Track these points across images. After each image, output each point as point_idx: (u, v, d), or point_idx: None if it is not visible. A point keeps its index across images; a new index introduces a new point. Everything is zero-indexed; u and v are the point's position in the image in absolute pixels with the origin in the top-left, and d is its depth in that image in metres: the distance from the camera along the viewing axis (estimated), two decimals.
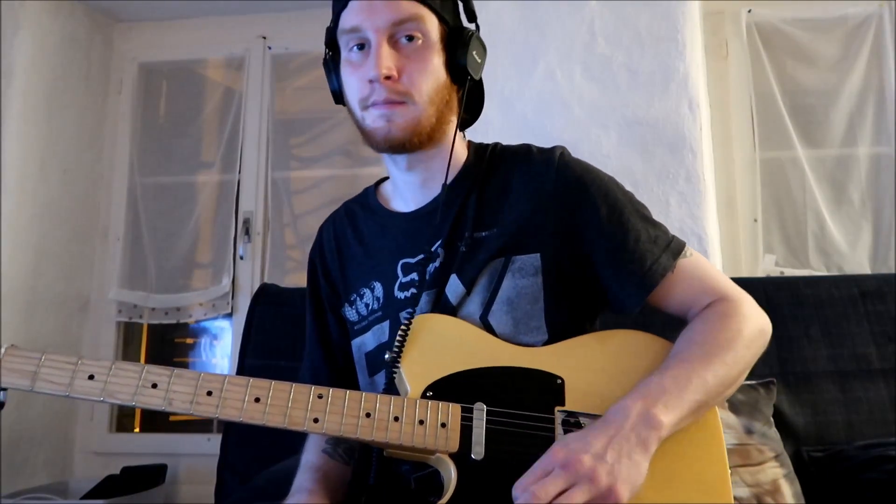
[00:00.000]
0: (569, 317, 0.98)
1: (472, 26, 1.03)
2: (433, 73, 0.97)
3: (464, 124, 1.13)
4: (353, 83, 0.98)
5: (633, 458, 0.78)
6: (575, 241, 0.98)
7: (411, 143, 0.97)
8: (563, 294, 0.97)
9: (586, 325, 1.02)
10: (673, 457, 0.85)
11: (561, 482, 0.75)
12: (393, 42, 0.95)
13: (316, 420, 0.83)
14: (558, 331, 0.96)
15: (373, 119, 0.96)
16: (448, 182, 1.01)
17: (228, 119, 2.81)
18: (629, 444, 0.79)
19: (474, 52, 1.00)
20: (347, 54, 0.99)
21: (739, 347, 0.90)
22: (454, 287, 0.97)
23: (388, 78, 0.93)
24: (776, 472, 1.46)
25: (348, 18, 0.97)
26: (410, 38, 0.96)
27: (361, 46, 0.97)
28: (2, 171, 2.38)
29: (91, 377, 0.82)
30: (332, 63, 1.03)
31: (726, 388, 0.90)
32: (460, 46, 0.99)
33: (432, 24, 0.98)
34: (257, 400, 0.83)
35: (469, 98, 1.05)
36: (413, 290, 0.98)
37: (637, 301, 0.96)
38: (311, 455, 1.05)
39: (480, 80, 1.07)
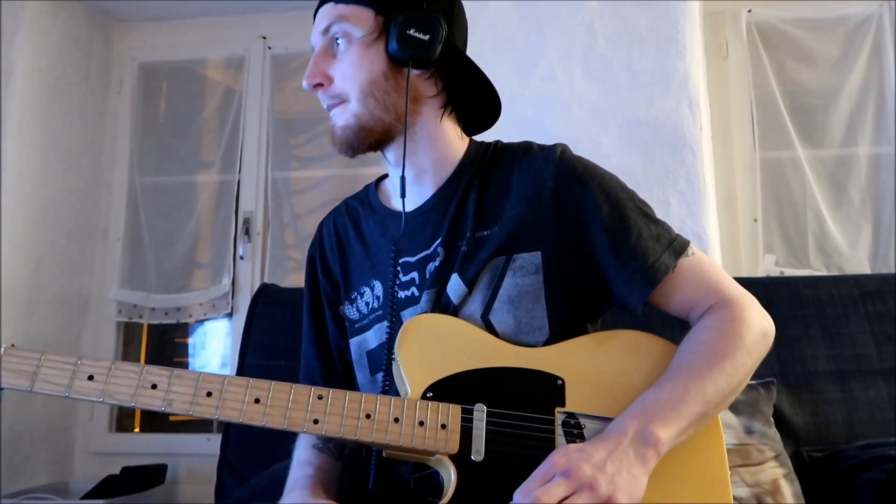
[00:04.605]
0: (571, 316, 0.97)
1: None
2: (364, 66, 0.96)
3: (477, 123, 1.10)
4: None
5: (633, 472, 0.79)
6: (576, 239, 0.97)
7: (360, 141, 0.98)
8: (565, 293, 0.96)
9: (588, 325, 1.02)
10: (672, 456, 0.85)
11: (563, 489, 0.75)
12: (332, 49, 0.99)
13: (316, 421, 0.83)
14: (560, 330, 0.95)
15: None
16: (443, 179, 1.01)
17: (228, 119, 2.80)
18: (628, 458, 0.79)
19: (410, 31, 0.94)
20: None
21: (740, 354, 0.89)
22: (456, 286, 0.97)
23: (317, 86, 0.98)
24: (776, 472, 1.46)
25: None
26: (338, 41, 0.99)
27: None
28: (2, 171, 2.37)
29: (91, 378, 0.81)
30: None
31: (727, 396, 0.88)
32: (392, 31, 0.95)
33: (361, 20, 0.97)
34: (257, 401, 0.82)
35: (465, 85, 1.02)
36: (414, 290, 0.98)
37: (640, 299, 0.95)
38: (302, 451, 1.04)
39: (477, 69, 1.02)
